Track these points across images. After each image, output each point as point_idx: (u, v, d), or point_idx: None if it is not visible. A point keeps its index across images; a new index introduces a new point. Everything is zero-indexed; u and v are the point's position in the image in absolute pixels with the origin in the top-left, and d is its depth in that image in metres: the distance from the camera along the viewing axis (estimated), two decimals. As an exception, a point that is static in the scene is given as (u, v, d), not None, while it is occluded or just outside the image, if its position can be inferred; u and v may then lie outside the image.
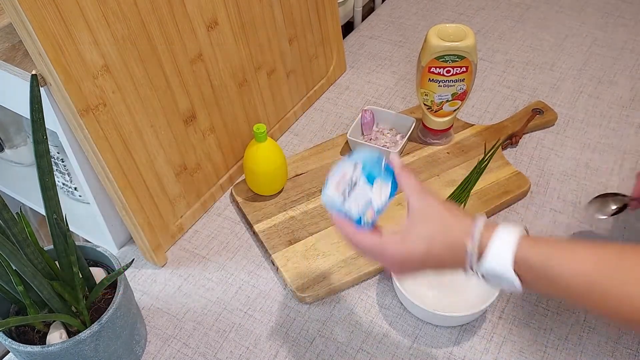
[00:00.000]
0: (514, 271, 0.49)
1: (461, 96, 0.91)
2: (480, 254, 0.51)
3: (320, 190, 0.91)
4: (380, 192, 0.58)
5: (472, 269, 0.52)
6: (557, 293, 0.50)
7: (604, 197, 0.84)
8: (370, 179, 0.59)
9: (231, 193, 0.93)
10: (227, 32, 0.84)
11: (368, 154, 0.60)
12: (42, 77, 0.64)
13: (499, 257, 0.50)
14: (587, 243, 0.50)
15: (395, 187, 0.59)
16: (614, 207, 0.82)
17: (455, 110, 0.93)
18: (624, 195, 0.83)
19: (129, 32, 0.70)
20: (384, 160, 0.60)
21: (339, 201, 0.59)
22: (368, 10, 1.40)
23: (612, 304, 0.47)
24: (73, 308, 0.65)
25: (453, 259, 0.53)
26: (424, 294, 0.78)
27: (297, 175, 0.94)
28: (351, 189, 0.59)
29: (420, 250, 0.54)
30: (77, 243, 0.64)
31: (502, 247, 0.50)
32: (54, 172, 0.81)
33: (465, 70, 0.87)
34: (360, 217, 0.58)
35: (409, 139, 0.97)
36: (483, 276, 0.52)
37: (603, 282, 0.47)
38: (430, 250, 0.54)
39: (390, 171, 0.59)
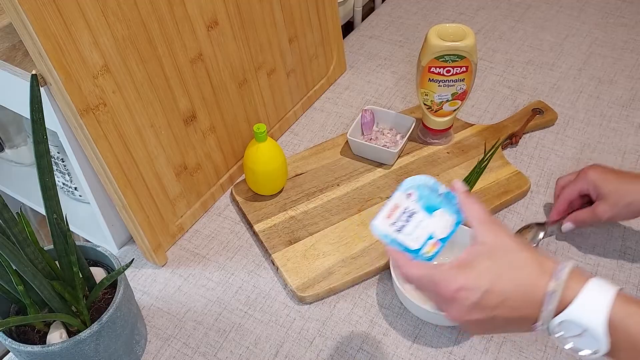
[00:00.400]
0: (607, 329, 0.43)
1: (461, 96, 0.91)
2: (564, 302, 0.45)
3: (321, 190, 0.91)
4: (443, 222, 0.54)
5: (544, 318, 0.46)
6: None
7: (528, 228, 0.85)
8: (430, 209, 0.54)
9: (231, 193, 0.93)
10: (227, 32, 0.84)
11: (421, 181, 0.56)
12: (42, 77, 0.64)
13: (592, 306, 0.44)
14: None
15: (459, 215, 0.54)
16: (540, 235, 0.84)
17: (455, 110, 0.93)
18: (543, 224, 0.85)
19: (129, 32, 0.70)
20: (440, 186, 0.56)
21: (391, 232, 0.54)
22: (368, 10, 1.40)
23: None
24: (73, 308, 0.65)
25: (523, 301, 0.46)
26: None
27: (297, 175, 0.94)
28: (407, 220, 0.54)
29: (481, 285, 0.47)
30: (77, 243, 0.64)
31: (597, 297, 0.44)
32: (54, 172, 0.81)
33: (465, 70, 0.87)
34: (419, 249, 0.53)
35: (409, 139, 0.97)
36: (558, 327, 0.45)
37: None
38: (493, 287, 0.47)
39: (450, 197, 0.55)
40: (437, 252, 0.54)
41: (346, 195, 0.90)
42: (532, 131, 1.02)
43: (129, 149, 0.74)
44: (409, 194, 0.56)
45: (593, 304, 0.44)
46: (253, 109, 0.94)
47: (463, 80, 0.89)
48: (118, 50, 0.69)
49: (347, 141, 0.97)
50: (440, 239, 0.53)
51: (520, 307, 0.47)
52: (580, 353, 0.46)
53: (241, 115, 0.92)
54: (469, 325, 0.50)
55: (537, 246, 0.83)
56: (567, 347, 0.46)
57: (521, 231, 0.85)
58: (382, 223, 0.55)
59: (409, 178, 0.57)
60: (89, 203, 0.82)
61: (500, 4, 1.35)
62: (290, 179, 0.93)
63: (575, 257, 0.83)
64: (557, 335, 0.46)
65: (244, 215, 0.89)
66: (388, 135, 0.98)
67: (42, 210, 0.62)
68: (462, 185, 0.54)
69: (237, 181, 0.95)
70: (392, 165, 0.94)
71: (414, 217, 0.54)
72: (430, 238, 0.54)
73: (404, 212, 0.54)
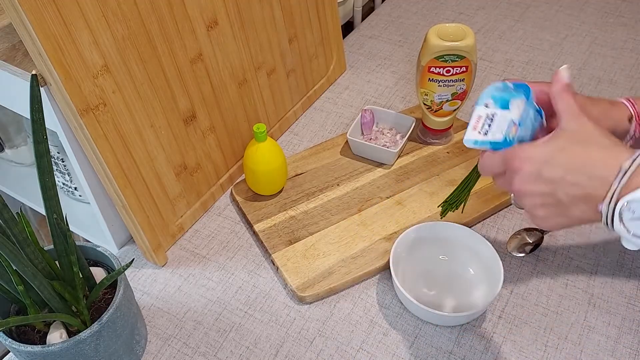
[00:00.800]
0: None
1: (461, 96, 0.91)
2: (634, 185, 0.44)
3: (320, 190, 0.91)
4: (517, 108, 0.57)
5: (612, 196, 0.45)
6: None
7: (521, 233, 0.85)
8: (505, 105, 0.57)
9: (231, 193, 0.93)
10: (227, 31, 0.84)
11: (492, 89, 0.60)
12: (42, 77, 0.64)
13: None
14: None
15: (528, 94, 0.58)
16: (530, 242, 0.84)
17: (455, 110, 0.93)
18: (540, 230, 0.85)
19: (129, 32, 0.70)
20: (509, 83, 0.59)
21: (480, 137, 0.58)
22: (368, 10, 1.40)
23: None
24: (73, 308, 0.65)
25: (589, 177, 0.46)
26: (424, 294, 0.78)
27: (297, 175, 0.94)
28: (490, 124, 0.58)
29: (545, 156, 0.48)
30: (77, 243, 0.64)
31: None
32: (54, 172, 0.81)
33: (465, 69, 0.87)
34: (506, 137, 0.56)
35: (409, 139, 0.97)
36: (626, 207, 0.44)
37: None
38: (556, 159, 0.48)
39: (520, 86, 0.59)
40: (518, 135, 0.56)
41: (346, 195, 0.90)
42: (532, 131, 1.02)
43: (128, 148, 0.74)
44: (486, 105, 0.59)
45: None
46: (253, 109, 0.94)
47: (463, 80, 0.89)
48: (118, 50, 0.69)
49: (347, 141, 0.97)
50: (518, 123, 0.56)
51: (585, 183, 0.46)
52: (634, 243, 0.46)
53: (241, 115, 0.92)
54: (532, 202, 0.51)
55: (533, 250, 0.84)
56: (633, 232, 0.45)
57: (521, 233, 0.85)
58: (471, 134, 0.59)
59: (482, 92, 0.61)
60: (89, 203, 0.82)
61: (500, 4, 1.35)
62: (290, 178, 0.93)
63: (574, 257, 0.83)
64: (624, 218, 0.45)
65: (243, 215, 0.89)
66: (388, 135, 0.98)
67: (42, 210, 0.62)
68: (563, 75, 0.54)
69: (237, 181, 0.95)
70: (392, 165, 0.94)
71: (495, 118, 0.58)
72: (512, 124, 0.56)
73: (486, 119, 0.58)
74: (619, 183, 0.45)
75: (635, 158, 0.45)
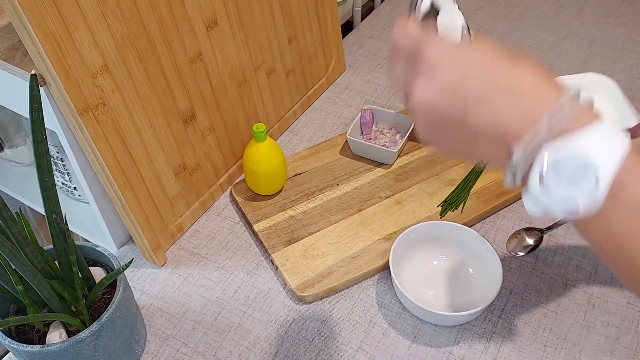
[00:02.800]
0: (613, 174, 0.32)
1: (460, 96, 0.91)
2: (566, 131, 0.34)
3: (320, 190, 0.91)
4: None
5: (535, 137, 0.34)
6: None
7: (521, 233, 0.85)
8: None
9: (230, 193, 0.93)
10: (226, 31, 0.84)
11: None
12: (42, 77, 0.64)
13: (607, 145, 0.33)
14: None
15: None
16: (530, 242, 0.84)
17: (454, 109, 0.93)
18: (540, 230, 0.84)
19: (129, 32, 0.70)
20: None
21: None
22: (367, 10, 1.40)
23: None
24: (72, 307, 0.65)
25: (513, 104, 0.35)
26: (424, 293, 0.78)
27: (296, 175, 0.94)
28: None
29: (469, 68, 0.36)
30: (76, 242, 0.64)
31: (614, 138, 0.33)
32: (54, 172, 0.81)
33: (464, 69, 0.87)
34: None
35: (409, 139, 0.97)
36: (547, 160, 0.34)
37: None
38: (482, 75, 0.36)
39: None
40: None
41: (346, 195, 0.90)
42: (532, 131, 1.02)
43: (128, 148, 0.74)
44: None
45: (608, 143, 0.33)
46: (252, 109, 0.94)
47: (462, 80, 0.88)
48: (117, 50, 0.69)
49: (346, 141, 0.97)
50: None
51: (506, 111, 0.35)
52: (568, 206, 0.35)
53: (240, 115, 0.92)
54: (429, 114, 0.38)
55: (532, 250, 0.83)
56: (556, 192, 0.34)
57: (521, 232, 0.85)
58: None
59: None
60: (88, 203, 0.82)
61: (500, 4, 1.35)
62: (289, 178, 0.93)
63: (574, 257, 0.83)
64: (544, 172, 0.34)
65: (243, 215, 0.89)
66: (387, 134, 0.98)
67: (42, 210, 0.62)
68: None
69: (236, 181, 0.95)
70: (392, 164, 0.94)
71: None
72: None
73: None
74: (549, 123, 0.33)
75: (576, 94, 0.34)
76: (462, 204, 0.87)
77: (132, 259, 0.68)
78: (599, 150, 0.33)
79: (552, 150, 0.34)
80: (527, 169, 0.35)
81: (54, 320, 0.65)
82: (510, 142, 0.35)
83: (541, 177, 0.35)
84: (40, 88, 0.59)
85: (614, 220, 0.35)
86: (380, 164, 0.95)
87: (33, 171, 0.60)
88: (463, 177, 0.91)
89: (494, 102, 0.35)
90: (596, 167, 0.33)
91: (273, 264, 0.82)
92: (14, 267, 0.58)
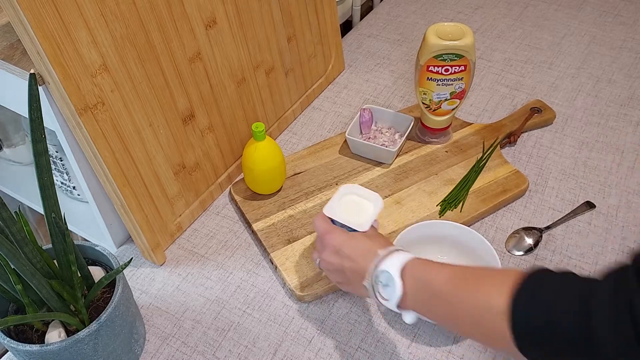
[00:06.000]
0: (400, 275, 0.60)
1: (459, 95, 0.91)
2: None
3: (319, 189, 0.91)
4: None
5: (371, 269, 0.63)
6: (428, 299, 0.59)
7: (520, 233, 0.85)
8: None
9: (230, 192, 0.93)
10: (225, 31, 0.84)
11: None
12: (41, 76, 0.64)
13: (395, 259, 0.62)
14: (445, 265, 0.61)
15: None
16: (529, 241, 0.84)
17: (453, 109, 0.93)
18: (539, 229, 0.85)
19: (127, 31, 0.70)
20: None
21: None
22: (366, 9, 1.40)
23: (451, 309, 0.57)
24: (72, 307, 0.65)
25: (363, 258, 0.65)
26: (423, 293, 0.78)
27: (295, 174, 0.94)
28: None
29: (343, 242, 0.67)
30: (75, 242, 0.64)
31: (401, 255, 0.63)
32: (53, 171, 0.81)
33: (463, 69, 0.87)
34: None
35: (408, 138, 0.97)
36: (377, 277, 0.62)
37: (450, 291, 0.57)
38: (349, 243, 0.67)
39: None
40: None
41: (345, 194, 0.90)
42: (531, 130, 1.03)
43: (127, 148, 0.74)
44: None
45: (397, 258, 0.62)
46: (251, 108, 0.94)
47: (461, 79, 0.89)
48: (116, 49, 0.69)
49: (345, 140, 0.97)
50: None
51: (360, 261, 0.65)
52: (388, 303, 0.62)
53: (240, 114, 0.92)
54: (328, 267, 0.69)
55: (530, 250, 0.84)
56: (382, 297, 0.63)
57: (520, 232, 0.85)
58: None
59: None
60: (87, 202, 0.82)
61: (499, 3, 1.35)
62: (288, 178, 0.93)
63: (574, 257, 0.83)
64: (378, 285, 0.63)
65: (242, 214, 0.89)
66: (387, 134, 0.98)
67: (41, 209, 0.62)
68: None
69: (235, 180, 0.95)
70: (391, 164, 0.94)
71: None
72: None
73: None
74: (375, 264, 0.63)
75: (388, 249, 0.64)
76: (461, 203, 0.88)
77: (131, 258, 0.68)
78: (391, 265, 0.62)
79: (378, 271, 0.62)
80: (373, 285, 0.64)
81: (53, 320, 0.65)
82: (361, 277, 0.65)
83: (375, 288, 0.64)
84: (39, 87, 0.59)
85: (417, 302, 0.61)
86: (379, 163, 0.95)
87: (32, 170, 0.60)
88: (462, 176, 0.92)
89: (355, 259, 0.66)
90: (390, 272, 0.61)
91: (272, 263, 0.82)
92: (13, 267, 0.58)
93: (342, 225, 0.73)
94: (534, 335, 0.48)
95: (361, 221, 0.71)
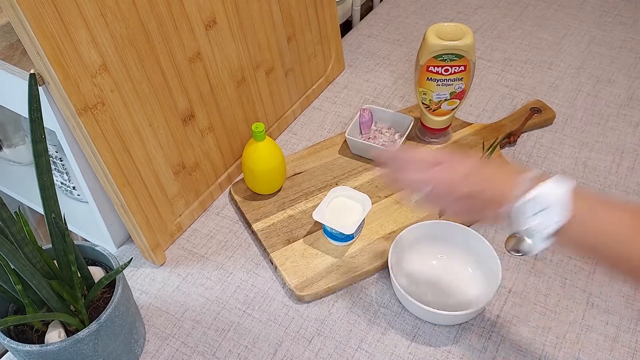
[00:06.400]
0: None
1: (459, 95, 0.91)
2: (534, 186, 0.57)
3: (319, 189, 0.91)
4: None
5: (517, 195, 0.57)
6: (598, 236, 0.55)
7: (520, 232, 0.85)
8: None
9: (230, 192, 0.93)
10: (225, 31, 0.84)
11: None
12: (41, 76, 0.64)
13: (559, 183, 0.56)
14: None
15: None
16: (529, 241, 0.83)
17: (453, 109, 0.93)
18: None
19: (127, 31, 0.70)
20: None
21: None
22: (366, 9, 1.40)
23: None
24: (72, 307, 0.65)
25: (503, 183, 0.59)
26: (423, 293, 0.78)
27: (295, 174, 0.94)
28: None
29: (475, 166, 0.62)
30: (75, 242, 0.64)
31: (562, 181, 0.56)
32: (53, 171, 0.81)
33: (463, 69, 0.87)
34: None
35: (408, 138, 0.97)
36: (525, 205, 0.56)
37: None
38: (483, 169, 0.62)
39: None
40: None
41: (345, 194, 0.90)
42: (531, 130, 1.03)
43: (127, 148, 0.74)
44: None
45: (559, 185, 0.56)
46: (251, 108, 0.94)
47: (461, 79, 0.89)
48: (116, 49, 0.69)
49: (345, 140, 0.97)
50: None
51: (499, 186, 0.60)
52: (546, 229, 0.57)
53: (240, 115, 0.92)
54: (455, 197, 0.62)
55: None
56: (532, 223, 0.57)
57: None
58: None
59: None
60: (87, 202, 0.82)
61: (499, 3, 1.35)
62: (288, 178, 0.93)
63: (573, 256, 0.83)
64: (524, 211, 0.57)
65: (242, 215, 0.89)
66: (386, 134, 0.98)
67: (41, 210, 0.62)
68: None
69: (235, 180, 0.95)
70: (391, 164, 0.94)
71: None
72: None
73: None
74: (523, 185, 0.57)
75: (534, 172, 0.59)
76: (461, 203, 0.87)
77: (131, 258, 0.68)
78: (557, 186, 0.56)
79: (527, 198, 0.57)
80: (516, 214, 0.58)
81: (52, 320, 0.65)
82: (502, 204, 0.59)
83: (521, 213, 0.58)
84: (39, 87, 0.59)
85: (581, 234, 0.56)
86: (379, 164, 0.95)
87: (32, 171, 0.60)
88: (462, 176, 0.91)
89: (494, 182, 0.60)
90: (558, 197, 0.56)
91: (272, 263, 0.82)
92: (13, 267, 0.58)
93: (331, 229, 0.74)
94: None
95: (347, 223, 0.72)
